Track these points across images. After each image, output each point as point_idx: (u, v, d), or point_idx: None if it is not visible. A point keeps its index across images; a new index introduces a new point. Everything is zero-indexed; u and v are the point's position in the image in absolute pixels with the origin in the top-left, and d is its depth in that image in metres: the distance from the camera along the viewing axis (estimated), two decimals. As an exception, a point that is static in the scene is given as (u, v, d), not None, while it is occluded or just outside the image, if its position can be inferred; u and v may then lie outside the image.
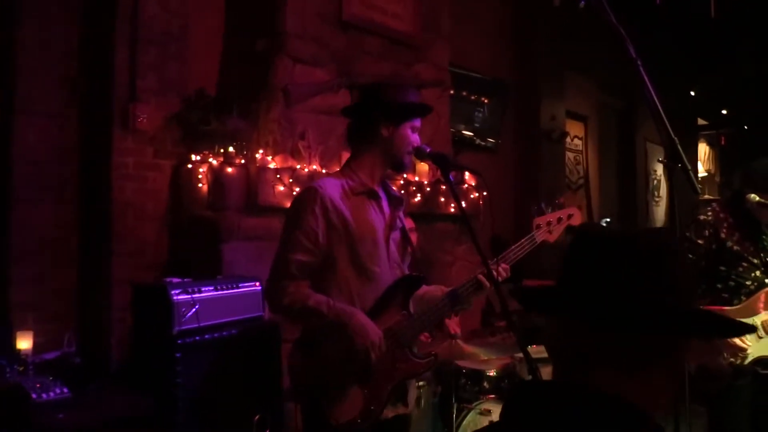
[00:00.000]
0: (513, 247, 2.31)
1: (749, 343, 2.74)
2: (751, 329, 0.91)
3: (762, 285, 2.85)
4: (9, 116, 3.49)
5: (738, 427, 2.86)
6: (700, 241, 2.88)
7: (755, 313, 2.80)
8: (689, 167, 1.87)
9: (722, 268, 2.90)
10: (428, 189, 4.67)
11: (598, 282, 0.86)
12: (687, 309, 0.88)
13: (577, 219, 2.46)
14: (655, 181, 10.10)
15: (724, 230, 2.92)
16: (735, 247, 2.88)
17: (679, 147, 1.88)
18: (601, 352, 0.86)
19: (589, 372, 0.86)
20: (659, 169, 9.91)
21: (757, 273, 2.87)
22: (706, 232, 2.93)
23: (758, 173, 2.91)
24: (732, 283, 2.88)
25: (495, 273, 2.12)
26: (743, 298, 2.85)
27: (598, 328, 0.85)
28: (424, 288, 2.35)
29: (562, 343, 0.90)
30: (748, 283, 2.86)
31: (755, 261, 2.88)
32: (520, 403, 0.88)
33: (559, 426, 0.81)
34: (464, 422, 3.23)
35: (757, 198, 2.83)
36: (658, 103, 1.92)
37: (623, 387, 0.84)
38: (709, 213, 2.99)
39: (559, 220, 2.43)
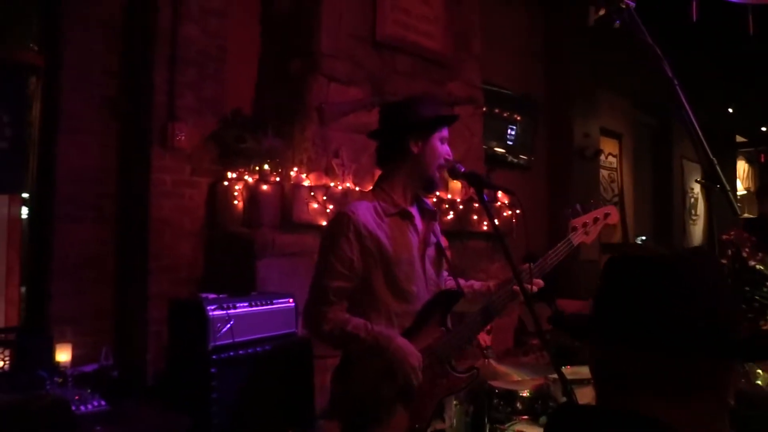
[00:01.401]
0: (550, 252, 2.25)
1: None
2: None
3: None
4: (53, 136, 3.60)
5: None
6: (723, 261, 2.85)
7: None
8: (728, 188, 1.84)
9: (746, 288, 2.84)
10: (461, 207, 4.67)
11: (640, 306, 0.85)
12: (730, 332, 0.86)
13: (614, 218, 2.37)
14: (692, 200, 9.92)
15: (747, 250, 2.89)
16: (758, 267, 2.85)
17: (717, 168, 1.85)
18: (644, 377, 0.84)
19: (633, 397, 0.84)
20: (696, 187, 9.74)
21: None
22: (729, 251, 2.90)
23: None
24: (756, 304, 2.83)
25: (529, 285, 2.10)
26: None
27: (641, 353, 0.84)
28: (473, 284, 2.36)
29: (606, 368, 0.88)
30: None
31: None
32: (562, 427, 0.87)
33: None
34: (497, 443, 3.19)
35: None
36: (696, 124, 1.90)
37: (667, 413, 0.82)
38: (732, 233, 2.95)
39: (596, 220, 2.34)
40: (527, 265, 2.16)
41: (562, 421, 0.88)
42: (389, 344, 2.02)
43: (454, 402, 3.21)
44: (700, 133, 1.90)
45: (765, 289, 2.81)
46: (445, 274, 2.38)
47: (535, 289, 2.20)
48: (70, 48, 3.65)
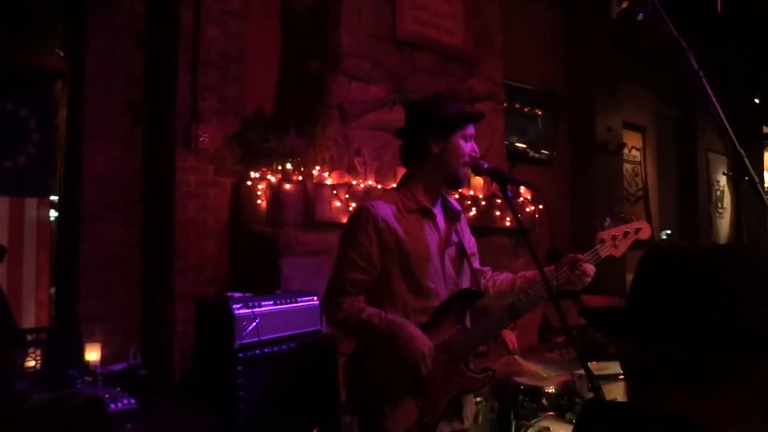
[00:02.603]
0: (582, 256, 2.24)
1: None
2: None
3: None
4: (80, 140, 3.66)
5: None
6: None
7: None
8: (757, 180, 1.82)
9: None
10: (483, 203, 4.65)
11: (674, 302, 0.83)
12: (765, 331, 0.85)
13: (646, 233, 2.36)
14: (718, 192, 9.77)
15: None
16: None
17: (746, 160, 1.83)
18: (677, 374, 0.83)
19: (665, 394, 0.84)
20: (722, 180, 9.60)
21: None
22: None
23: None
24: None
25: (579, 279, 2.09)
26: None
27: (674, 350, 0.83)
28: (524, 275, 2.36)
29: (639, 364, 0.88)
30: None
31: None
32: (593, 424, 0.86)
33: None
34: (523, 439, 3.18)
35: None
36: (723, 116, 1.87)
37: (699, 411, 0.81)
38: None
39: (626, 234, 2.33)
40: (551, 267, 2.16)
41: (593, 418, 0.88)
42: (401, 331, 2.03)
43: (479, 398, 3.21)
44: (727, 125, 1.88)
45: None
46: (489, 268, 2.38)
47: (589, 277, 2.18)
48: (94, 53, 3.70)
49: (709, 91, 1.92)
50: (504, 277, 2.41)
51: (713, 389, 0.83)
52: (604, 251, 2.30)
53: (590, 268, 2.20)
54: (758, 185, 1.83)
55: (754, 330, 0.83)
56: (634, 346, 0.88)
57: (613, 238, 2.31)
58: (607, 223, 2.34)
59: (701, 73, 1.94)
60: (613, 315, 0.93)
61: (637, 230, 2.35)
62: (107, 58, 3.75)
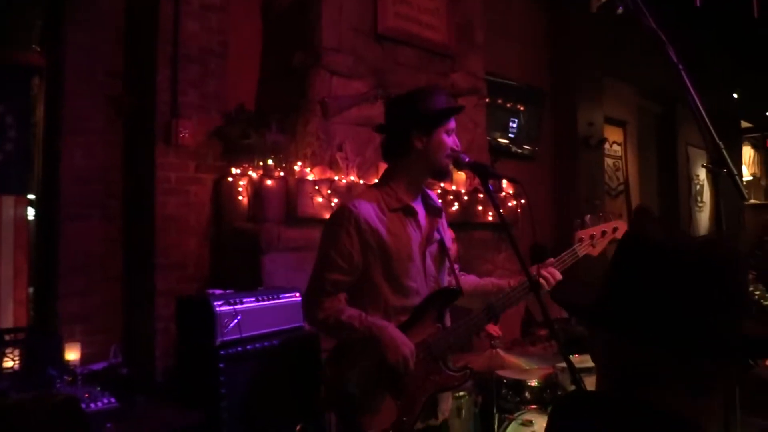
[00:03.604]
0: (555, 261, 2.27)
1: None
2: None
3: None
4: (58, 136, 3.61)
5: None
6: (766, 238, 3.05)
7: None
8: (735, 172, 1.83)
9: None
10: (466, 198, 4.66)
11: (649, 298, 0.82)
12: (738, 332, 0.85)
13: (623, 232, 2.40)
14: (698, 186, 9.88)
15: None
16: None
17: (724, 152, 1.84)
18: (650, 368, 0.82)
19: (644, 386, 0.83)
20: (702, 173, 9.69)
21: None
22: (766, 237, 3.03)
23: None
24: None
25: (544, 282, 2.10)
26: None
27: (649, 345, 0.82)
28: (491, 281, 2.37)
29: (613, 354, 0.87)
30: None
31: None
32: (571, 414, 0.85)
33: None
34: (506, 433, 3.19)
35: None
36: (701, 108, 1.88)
37: (679, 402, 0.81)
38: None
39: (603, 233, 2.36)
40: (535, 266, 2.18)
41: (567, 408, 0.87)
42: (382, 334, 2.03)
43: (462, 393, 3.22)
44: (706, 118, 1.89)
45: None
46: (457, 267, 2.38)
47: (552, 282, 2.20)
48: (72, 48, 3.65)
49: (689, 84, 1.93)
50: (470, 279, 2.41)
51: (708, 388, 0.82)
52: (582, 250, 2.34)
53: (556, 275, 2.22)
54: (736, 177, 1.84)
55: (728, 333, 0.82)
56: (611, 337, 0.87)
57: (591, 237, 2.35)
58: (586, 222, 2.36)
59: (680, 67, 1.95)
60: (592, 304, 0.92)
61: (614, 229, 2.39)
62: (86, 53, 3.70)
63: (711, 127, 1.88)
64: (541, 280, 2.18)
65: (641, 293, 0.84)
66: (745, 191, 1.95)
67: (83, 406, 2.71)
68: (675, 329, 0.80)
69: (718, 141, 1.88)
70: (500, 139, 5.95)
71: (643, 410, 0.80)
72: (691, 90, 1.91)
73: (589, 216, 2.37)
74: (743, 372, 0.85)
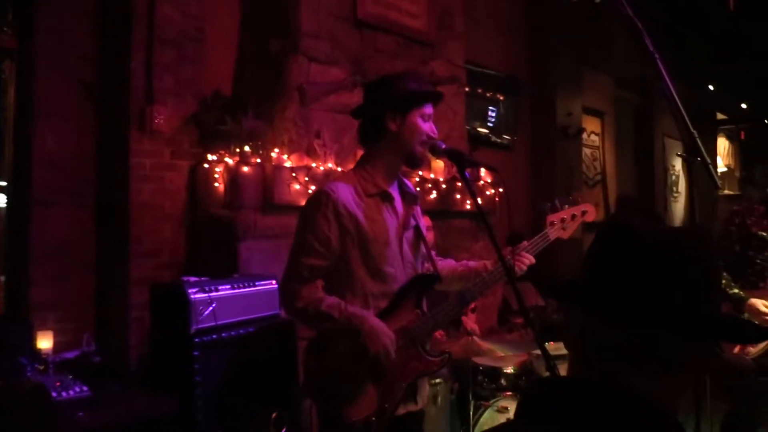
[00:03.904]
0: (527, 244, 2.29)
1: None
2: None
3: None
4: (28, 121, 3.53)
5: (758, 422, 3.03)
6: (732, 228, 3.29)
7: None
8: (709, 162, 1.85)
9: (750, 253, 3.23)
10: (444, 186, 4.66)
11: (640, 282, 0.83)
12: (711, 314, 0.86)
13: (591, 215, 2.43)
14: (674, 177, 10.00)
15: (752, 219, 3.27)
16: (761, 233, 3.21)
17: (699, 142, 1.86)
18: (634, 351, 0.83)
19: (618, 370, 0.83)
20: (677, 164, 9.81)
21: None
22: (736, 220, 3.32)
23: None
24: (758, 267, 3.17)
25: (516, 266, 2.12)
26: None
27: (623, 327, 0.83)
28: (466, 264, 2.37)
29: (591, 338, 0.87)
30: None
31: None
32: (540, 400, 0.85)
33: (584, 423, 0.79)
34: (481, 419, 3.22)
35: None
36: (677, 98, 1.89)
37: (650, 387, 0.81)
38: (744, 203, 3.42)
39: (573, 216, 2.40)
40: (508, 249, 2.21)
41: (536, 395, 0.87)
42: (363, 324, 2.02)
43: (438, 380, 3.23)
44: (681, 107, 1.90)
45: (766, 253, 3.18)
46: (434, 253, 2.39)
47: (524, 267, 2.22)
48: (44, 31, 3.56)
49: (664, 73, 1.94)
50: (447, 264, 2.42)
51: (673, 369, 0.83)
52: (553, 233, 2.37)
53: (529, 259, 2.24)
54: (710, 166, 1.86)
55: (701, 315, 0.83)
56: (591, 319, 0.87)
57: (562, 220, 2.38)
58: (556, 206, 2.40)
59: (656, 56, 1.96)
60: (568, 285, 0.93)
61: (584, 213, 2.43)
62: (58, 36, 3.61)
63: (686, 116, 1.89)
64: (516, 263, 2.19)
65: (617, 276, 0.85)
66: (718, 180, 1.98)
67: (54, 394, 2.67)
68: (647, 310, 0.81)
69: (692, 130, 1.90)
70: (479, 129, 5.96)
71: (612, 394, 0.81)
72: (667, 79, 1.92)
73: (558, 199, 2.40)
74: (712, 358, 0.86)
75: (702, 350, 0.85)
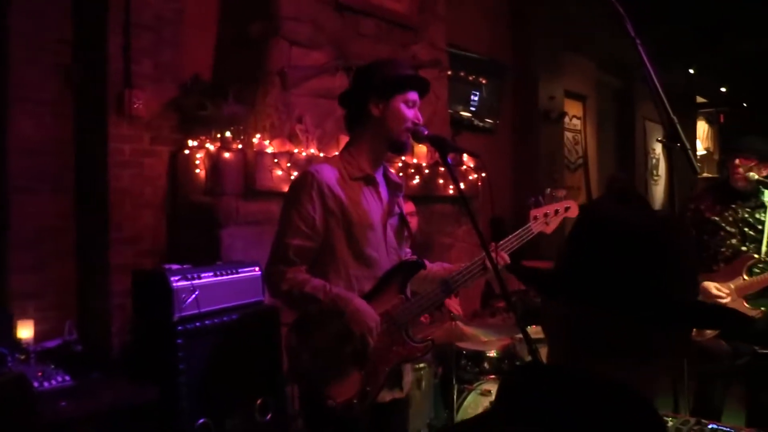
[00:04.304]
0: (510, 237, 2.34)
1: (727, 292, 3.16)
2: (748, 320, 0.92)
3: (737, 252, 3.25)
4: (4, 105, 3.46)
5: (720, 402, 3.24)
6: (688, 213, 3.37)
7: (734, 277, 3.20)
8: (689, 147, 1.86)
9: (705, 237, 3.30)
10: (427, 171, 4.66)
11: (616, 270, 0.83)
12: (698, 302, 0.87)
13: (574, 212, 2.48)
14: (654, 160, 10.09)
15: (706, 203, 3.35)
16: (714, 218, 3.29)
17: (678, 127, 1.87)
18: (613, 338, 0.83)
19: (595, 358, 0.84)
20: (658, 148, 9.90)
21: (733, 241, 3.27)
22: (692, 205, 3.40)
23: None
24: (711, 251, 3.27)
25: (495, 258, 2.13)
26: (721, 264, 3.26)
27: (599, 314, 0.84)
28: (442, 265, 2.40)
29: (567, 327, 0.88)
30: (723, 249, 3.27)
31: (732, 230, 3.28)
32: (520, 388, 0.86)
33: (561, 412, 0.79)
34: (465, 403, 3.25)
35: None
36: (657, 83, 1.90)
37: (628, 375, 0.82)
38: (699, 189, 3.53)
39: (556, 212, 2.45)
40: (492, 244, 2.23)
41: (520, 382, 0.88)
42: (347, 306, 2.03)
43: (422, 364, 3.26)
44: (661, 92, 1.91)
45: (718, 237, 3.28)
46: (409, 252, 2.40)
47: (501, 263, 2.25)
48: (19, 14, 3.48)
49: (645, 58, 1.95)
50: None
51: (649, 357, 0.84)
52: (536, 228, 2.42)
53: (504, 259, 2.28)
54: (689, 151, 1.88)
55: (690, 302, 0.84)
56: (570, 307, 0.87)
57: (545, 215, 2.45)
58: (539, 201, 2.46)
59: (637, 41, 1.97)
60: (549, 275, 0.93)
61: (567, 209, 2.50)
62: (33, 18, 3.53)
63: (666, 102, 1.90)
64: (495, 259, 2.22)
65: (595, 264, 0.85)
66: (697, 165, 1.99)
67: (36, 384, 2.65)
68: (625, 297, 0.82)
69: (672, 116, 1.91)
70: (462, 112, 5.95)
71: (590, 382, 0.81)
72: (648, 64, 1.93)
73: (542, 195, 2.46)
74: (689, 343, 0.87)
75: (679, 336, 0.86)
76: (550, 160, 6.88)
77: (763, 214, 3.25)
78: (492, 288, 4.86)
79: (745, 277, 3.18)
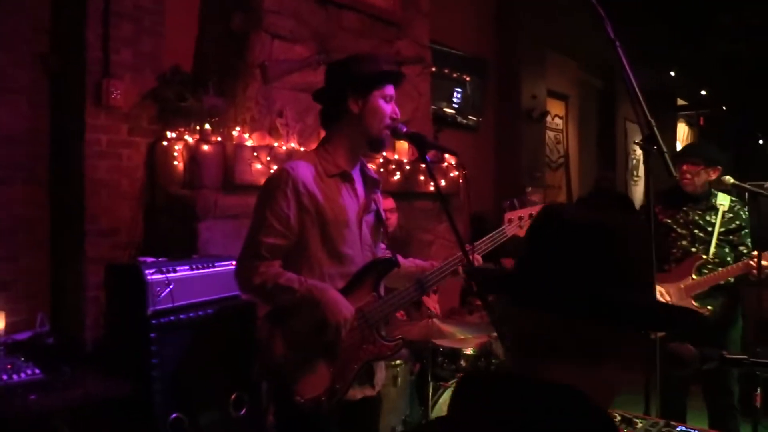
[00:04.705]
0: (484, 238, 2.37)
1: (669, 298, 3.26)
2: (698, 317, 0.92)
3: (687, 252, 3.35)
4: (-23, 92, 3.40)
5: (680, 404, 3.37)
6: (643, 216, 3.39)
7: (684, 278, 3.30)
8: (665, 150, 1.87)
9: (658, 239, 3.31)
10: (408, 167, 4.65)
11: (559, 269, 0.84)
12: (645, 303, 0.86)
13: None
14: (635, 161, 10.17)
15: (659, 206, 3.44)
16: (666, 220, 3.40)
17: (656, 131, 1.88)
18: (554, 341, 0.84)
19: (543, 362, 0.84)
20: (638, 148, 9.97)
21: (684, 242, 3.38)
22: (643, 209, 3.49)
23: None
24: (664, 252, 3.35)
25: (471, 257, 2.14)
26: (672, 264, 3.36)
27: (552, 317, 0.84)
28: (414, 262, 2.41)
29: (518, 329, 0.88)
30: (674, 250, 3.38)
31: (683, 232, 3.39)
32: (468, 394, 0.86)
33: (508, 417, 0.79)
34: (440, 400, 3.25)
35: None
36: (636, 85, 1.91)
37: (576, 379, 0.82)
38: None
39: (531, 216, 2.49)
40: (468, 246, 2.24)
41: (469, 388, 0.88)
42: (322, 296, 2.02)
43: (398, 361, 3.25)
44: (640, 95, 1.92)
45: (669, 239, 3.38)
46: (383, 247, 2.40)
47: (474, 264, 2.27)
48: (-6, 1, 3.42)
49: (624, 61, 1.95)
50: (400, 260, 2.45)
51: (595, 359, 0.84)
52: (510, 230, 2.46)
53: (477, 260, 2.31)
54: (666, 155, 1.89)
55: (638, 305, 0.84)
56: (519, 312, 0.88)
57: (519, 218, 2.49)
58: (514, 204, 2.50)
59: (617, 43, 1.97)
60: (498, 276, 0.93)
61: None
62: (10, 5, 3.47)
63: (644, 105, 1.91)
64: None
65: (545, 266, 0.86)
66: (674, 170, 2.01)
67: (5, 377, 2.61)
68: (574, 300, 0.82)
69: (650, 119, 1.92)
70: (446, 109, 5.95)
71: (534, 387, 0.81)
72: (626, 66, 1.93)
73: (517, 199, 2.49)
74: (642, 346, 0.87)
75: (631, 339, 0.86)
76: (531, 159, 6.91)
77: (713, 217, 3.37)
78: (471, 285, 4.87)
79: (694, 276, 3.30)
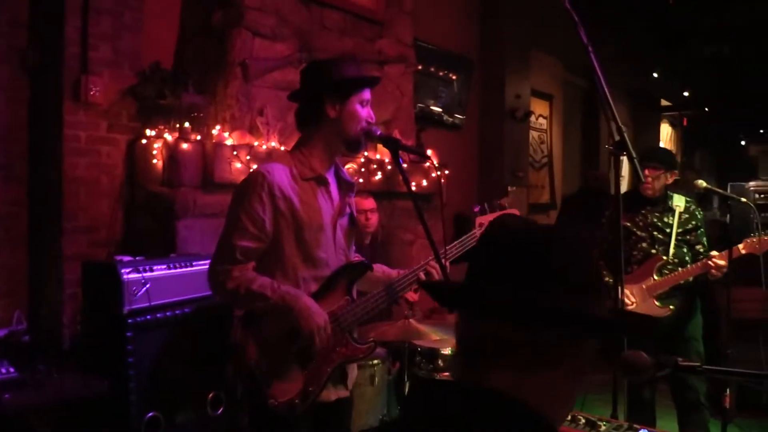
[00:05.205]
0: (455, 243, 2.37)
1: (633, 300, 3.33)
2: (651, 323, 0.94)
3: (647, 254, 3.42)
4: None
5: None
6: (604, 220, 3.57)
7: (645, 278, 3.38)
8: (634, 156, 1.90)
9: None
10: (389, 167, 4.65)
11: (500, 278, 0.86)
12: (586, 312, 0.88)
13: None
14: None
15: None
16: (626, 223, 3.43)
17: (626, 137, 1.91)
18: (501, 349, 0.85)
19: (486, 369, 0.86)
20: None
21: (644, 245, 3.45)
22: (607, 212, 3.56)
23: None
24: (625, 255, 3.34)
25: (429, 271, 2.16)
26: (634, 266, 3.42)
27: (498, 325, 0.85)
28: (382, 269, 2.40)
29: (463, 337, 0.90)
30: (635, 253, 3.44)
31: (642, 234, 3.46)
32: (416, 401, 0.88)
33: (450, 425, 0.81)
34: (418, 400, 3.27)
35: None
36: (607, 91, 1.93)
37: (517, 386, 0.84)
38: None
39: None
40: (442, 250, 2.26)
41: (416, 396, 0.89)
42: (296, 302, 2.02)
43: (376, 360, 3.27)
44: (610, 101, 1.95)
45: (630, 242, 3.44)
46: (357, 256, 2.41)
47: (437, 276, 2.28)
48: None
49: (596, 67, 1.98)
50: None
51: (535, 364, 0.85)
52: (480, 234, 2.44)
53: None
54: (635, 160, 1.92)
55: (581, 312, 0.86)
56: (465, 320, 0.90)
57: None
58: (485, 209, 2.52)
59: (590, 48, 2.00)
60: (450, 287, 0.95)
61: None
62: (-14, -1, 3.44)
63: (615, 111, 1.94)
64: (430, 269, 2.23)
65: (488, 275, 0.88)
66: (642, 175, 2.04)
67: (-23, 376, 2.59)
68: (516, 308, 0.84)
69: (620, 125, 1.95)
70: (432, 107, 5.96)
71: (472, 395, 0.83)
72: (598, 72, 1.96)
73: (486, 203, 2.51)
74: (586, 353, 0.89)
75: (574, 345, 0.88)
76: (514, 159, 6.94)
77: (670, 218, 3.45)
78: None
79: (655, 277, 3.38)
